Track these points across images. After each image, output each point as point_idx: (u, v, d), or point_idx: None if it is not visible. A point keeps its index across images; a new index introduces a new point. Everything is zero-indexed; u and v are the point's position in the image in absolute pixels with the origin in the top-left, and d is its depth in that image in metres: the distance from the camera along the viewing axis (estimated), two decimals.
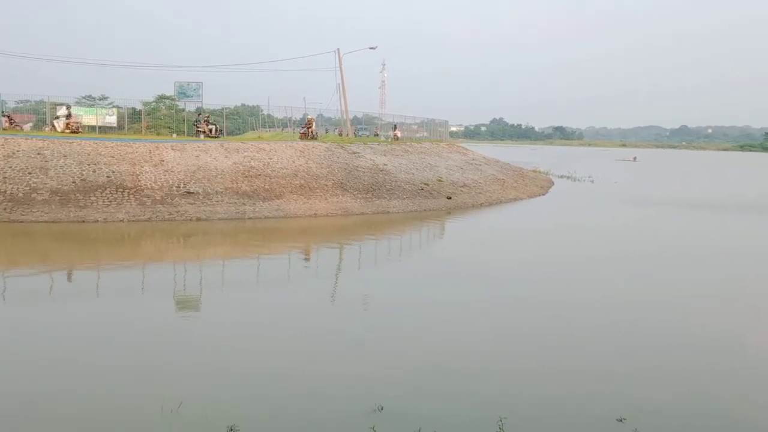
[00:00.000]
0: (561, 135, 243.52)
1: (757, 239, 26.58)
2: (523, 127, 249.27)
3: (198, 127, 37.80)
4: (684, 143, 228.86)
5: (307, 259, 20.20)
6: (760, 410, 9.08)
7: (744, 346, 12.13)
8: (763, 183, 58.78)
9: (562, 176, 56.70)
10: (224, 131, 42.68)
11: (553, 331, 12.63)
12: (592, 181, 53.08)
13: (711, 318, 14.02)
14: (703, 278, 18.32)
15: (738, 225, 30.91)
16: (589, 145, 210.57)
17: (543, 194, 42.26)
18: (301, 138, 39.49)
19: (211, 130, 37.29)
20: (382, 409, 8.57)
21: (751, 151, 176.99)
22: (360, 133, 55.67)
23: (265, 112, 67.70)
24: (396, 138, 46.69)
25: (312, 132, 40.45)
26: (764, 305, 15.50)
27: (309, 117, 44.65)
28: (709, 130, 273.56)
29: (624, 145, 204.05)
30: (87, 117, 38.60)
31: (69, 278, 16.71)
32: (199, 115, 41.34)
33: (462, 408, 8.77)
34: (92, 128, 38.00)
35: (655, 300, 15.36)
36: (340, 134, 48.50)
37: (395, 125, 50.57)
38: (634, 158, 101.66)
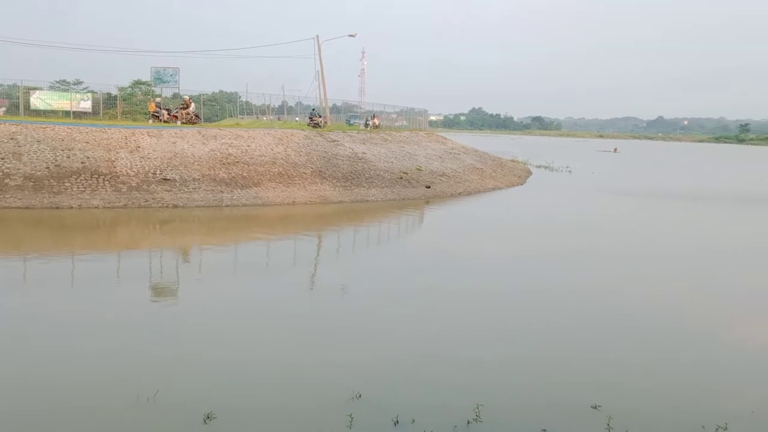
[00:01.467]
0: (539, 125, 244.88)
1: (736, 231, 27.00)
2: (502, 116, 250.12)
3: (312, 119, 43.66)
4: (660, 135, 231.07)
5: (285, 247, 20.12)
6: (732, 400, 9.26)
7: (719, 338, 12.35)
8: (739, 176, 59.63)
9: (539, 166, 57.04)
10: (201, 117, 41.82)
11: (530, 320, 12.76)
12: (570, 172, 53.47)
13: (687, 309, 14.25)
14: (680, 270, 18.56)
15: (718, 217, 31.37)
16: (568, 135, 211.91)
17: (521, 184, 42.49)
18: (173, 121, 35.24)
19: (318, 123, 42.55)
20: (359, 396, 8.61)
21: (726, 143, 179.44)
22: (352, 122, 54.95)
23: (244, 99, 66.92)
24: (375, 126, 46.67)
25: (188, 114, 36.03)
26: (740, 297, 15.77)
27: (185, 96, 39.85)
28: (686, 122, 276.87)
29: (601, 136, 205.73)
30: (61, 102, 37.98)
31: (43, 265, 16.47)
32: (313, 110, 47.44)
33: (439, 395, 8.83)
34: (66, 113, 37.40)
35: (631, 291, 15.57)
36: (326, 122, 47.68)
37: (374, 114, 50.58)
38: (615, 149, 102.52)
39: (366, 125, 48.54)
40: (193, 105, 37.77)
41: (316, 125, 41.35)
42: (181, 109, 36.84)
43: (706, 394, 9.38)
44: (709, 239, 24.34)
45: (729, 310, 14.36)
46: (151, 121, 35.62)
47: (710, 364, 10.66)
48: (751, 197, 39.86)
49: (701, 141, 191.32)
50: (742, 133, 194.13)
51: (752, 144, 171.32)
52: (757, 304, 15.09)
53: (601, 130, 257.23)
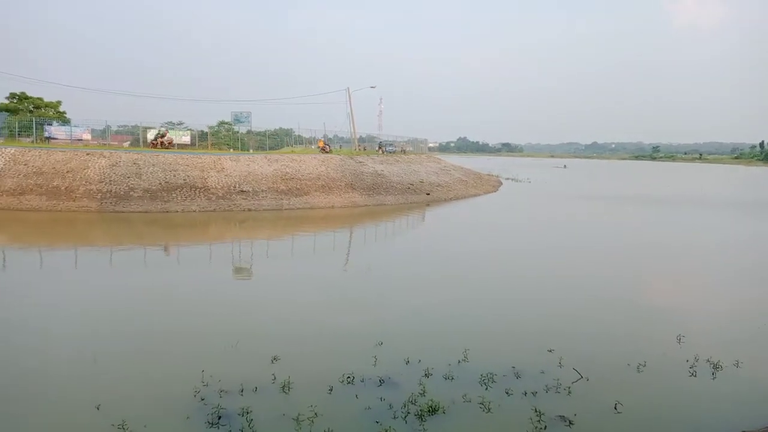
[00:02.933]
0: (508, 149, 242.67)
1: (654, 222, 26.59)
2: (480, 143, 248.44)
3: (380, 147, 45.53)
4: (595, 155, 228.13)
5: (327, 238, 20.11)
6: (649, 345, 9.09)
7: (641, 301, 12.17)
8: (648, 183, 58.71)
9: (508, 178, 56.53)
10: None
11: (504, 287, 12.67)
12: (530, 182, 53.01)
13: (618, 281, 14.05)
14: (617, 252, 18.30)
15: (637, 212, 30.93)
16: (528, 156, 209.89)
17: (495, 191, 42.16)
18: (151, 147, 33.52)
19: (383, 150, 44.37)
20: (381, 344, 8.59)
21: (642, 160, 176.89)
22: (388, 149, 52.00)
23: (296, 133, 67.02)
24: (382, 152, 46.50)
25: (163, 142, 34.15)
26: (660, 272, 15.51)
27: (162, 129, 36.96)
28: (613, 145, 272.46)
29: (552, 156, 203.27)
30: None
31: (159, 251, 16.65)
32: (380, 142, 47.39)
33: (438, 343, 8.78)
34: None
35: (578, 268, 15.37)
36: (364, 149, 45.98)
37: (380, 143, 50.08)
38: (564, 166, 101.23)
39: (381, 151, 47.92)
40: (168, 134, 36.08)
41: (383, 152, 43.50)
42: (160, 137, 35.08)
43: (630, 340, 9.23)
44: (622, 228, 23.96)
45: (649, 281, 14.15)
46: (316, 148, 38.56)
47: (632, 318, 10.49)
48: (653, 199, 39.23)
49: (624, 159, 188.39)
50: (654, 153, 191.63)
51: (661, 161, 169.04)
52: (668, 275, 14.84)
53: (552, 151, 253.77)
